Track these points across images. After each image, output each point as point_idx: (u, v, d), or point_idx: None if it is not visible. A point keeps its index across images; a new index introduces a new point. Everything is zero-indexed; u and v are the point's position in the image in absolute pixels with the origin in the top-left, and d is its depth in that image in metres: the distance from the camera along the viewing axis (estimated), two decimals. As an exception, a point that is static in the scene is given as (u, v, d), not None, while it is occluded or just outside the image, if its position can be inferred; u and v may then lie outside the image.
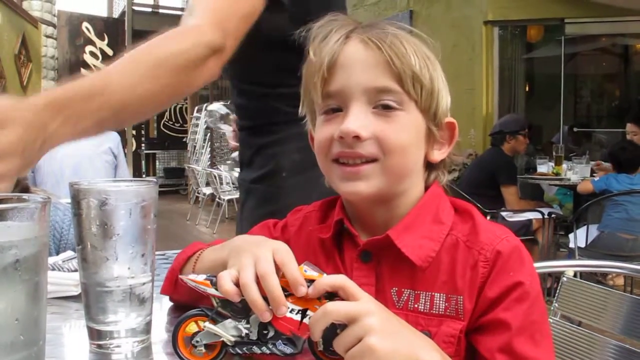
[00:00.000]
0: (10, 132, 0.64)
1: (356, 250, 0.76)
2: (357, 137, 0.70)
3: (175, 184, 12.29)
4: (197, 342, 0.64)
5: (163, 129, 12.86)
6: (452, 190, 0.83)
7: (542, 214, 3.97)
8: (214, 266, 0.72)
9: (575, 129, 7.50)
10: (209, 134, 10.40)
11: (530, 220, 4.09)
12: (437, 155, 0.78)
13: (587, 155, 4.97)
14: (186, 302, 0.79)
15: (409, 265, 0.72)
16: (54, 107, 0.71)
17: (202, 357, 0.64)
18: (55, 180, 3.10)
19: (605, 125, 8.49)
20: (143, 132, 12.82)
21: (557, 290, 1.26)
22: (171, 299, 0.87)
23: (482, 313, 0.70)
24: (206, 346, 0.64)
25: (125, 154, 3.69)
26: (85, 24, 10.68)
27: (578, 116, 8.94)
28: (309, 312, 0.61)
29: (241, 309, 0.62)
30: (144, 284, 0.71)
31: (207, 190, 8.87)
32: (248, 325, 0.63)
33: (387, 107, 0.72)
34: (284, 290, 0.60)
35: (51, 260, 1.00)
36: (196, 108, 10.84)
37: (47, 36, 10.16)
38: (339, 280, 0.61)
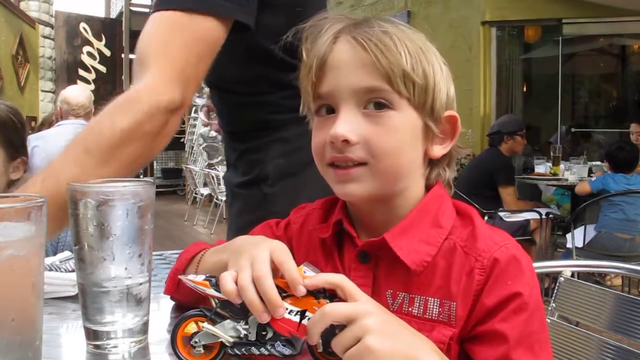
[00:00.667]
0: None
1: (355, 250, 0.76)
2: (346, 141, 0.69)
3: (172, 184, 12.29)
4: (195, 342, 0.64)
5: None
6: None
7: (540, 214, 3.98)
8: (216, 268, 0.72)
9: (572, 130, 7.52)
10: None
11: (527, 221, 4.09)
12: (438, 150, 0.76)
13: (585, 156, 4.98)
14: (189, 303, 0.79)
15: (405, 269, 0.71)
16: None
17: (201, 357, 0.64)
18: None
19: (603, 125, 8.50)
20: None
21: (555, 291, 1.26)
22: (174, 299, 0.87)
23: (478, 321, 0.68)
24: (205, 347, 0.64)
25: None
26: (82, 25, 10.66)
27: (576, 116, 8.96)
28: (307, 314, 0.60)
29: (240, 310, 0.62)
30: (141, 284, 0.71)
31: (205, 191, 8.87)
32: (247, 326, 0.62)
33: (377, 107, 0.70)
34: (283, 291, 0.60)
35: (48, 260, 1.00)
36: (193, 109, 10.83)
37: (45, 37, 10.15)
38: (337, 278, 0.60)
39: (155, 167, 12.86)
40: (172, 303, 0.88)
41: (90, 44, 10.72)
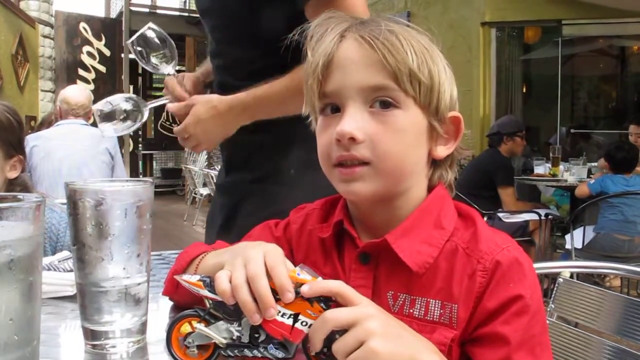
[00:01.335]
0: None
1: (355, 251, 0.76)
2: (352, 139, 0.69)
3: (172, 184, 12.27)
4: (189, 342, 0.64)
5: (160, 129, 12.81)
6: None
7: (539, 215, 3.97)
8: (215, 271, 0.71)
9: (572, 131, 7.51)
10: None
11: (527, 222, 4.09)
12: (442, 151, 0.76)
13: (584, 157, 4.98)
14: (188, 304, 0.79)
15: (406, 270, 0.71)
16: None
17: (196, 357, 0.64)
18: (52, 181, 3.09)
19: (602, 126, 8.49)
20: (140, 132, 12.79)
21: (554, 292, 1.26)
22: (173, 300, 0.87)
23: (479, 324, 0.68)
24: (199, 347, 0.64)
25: (122, 154, 3.68)
26: (82, 24, 10.64)
27: (575, 117, 8.95)
28: (300, 317, 0.60)
29: (233, 311, 0.62)
30: (139, 284, 0.71)
31: (204, 191, 8.85)
32: (239, 328, 0.62)
33: (384, 105, 0.70)
34: (277, 293, 0.60)
35: (47, 260, 1.00)
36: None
37: (45, 36, 10.13)
38: (336, 285, 0.60)
39: (154, 167, 12.86)
40: (171, 303, 0.88)
41: (90, 43, 10.69)
